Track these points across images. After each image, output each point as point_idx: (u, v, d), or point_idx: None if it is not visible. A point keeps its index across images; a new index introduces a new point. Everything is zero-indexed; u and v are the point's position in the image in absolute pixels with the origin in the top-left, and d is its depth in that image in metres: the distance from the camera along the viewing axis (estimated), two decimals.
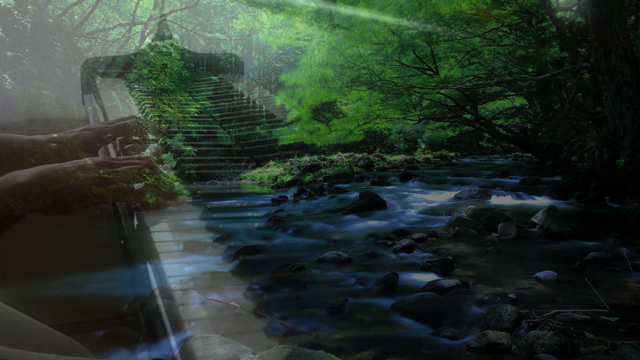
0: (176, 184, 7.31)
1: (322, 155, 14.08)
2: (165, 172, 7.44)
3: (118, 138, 7.72)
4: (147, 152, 8.98)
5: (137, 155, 7.12)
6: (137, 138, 8.13)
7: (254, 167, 13.15)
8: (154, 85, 15.42)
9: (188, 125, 13.89)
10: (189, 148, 12.18)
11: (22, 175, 3.91)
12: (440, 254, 3.57)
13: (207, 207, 7.42)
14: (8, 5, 7.56)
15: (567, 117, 9.62)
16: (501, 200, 6.21)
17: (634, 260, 3.14)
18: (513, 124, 17.45)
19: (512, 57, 9.08)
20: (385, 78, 9.03)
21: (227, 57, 20.85)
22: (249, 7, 15.97)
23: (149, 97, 14.76)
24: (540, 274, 2.90)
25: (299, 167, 11.51)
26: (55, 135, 5.60)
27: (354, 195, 6.85)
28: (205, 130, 14.24)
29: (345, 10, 7.99)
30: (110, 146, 7.72)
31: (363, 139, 15.64)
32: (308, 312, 2.49)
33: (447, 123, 15.11)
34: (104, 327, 2.27)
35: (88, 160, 4.67)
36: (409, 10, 7.66)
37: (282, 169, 11.97)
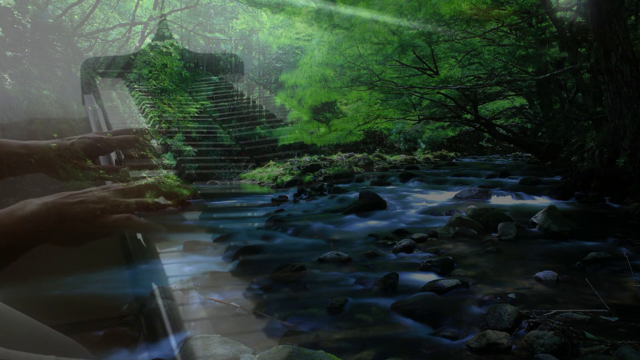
0: (176, 184, 7.31)
1: (322, 155, 14.08)
2: (165, 171, 7.43)
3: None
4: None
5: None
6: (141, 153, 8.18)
7: (254, 167, 13.15)
8: (154, 85, 15.42)
9: (188, 125, 13.89)
10: (189, 148, 12.19)
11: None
12: (440, 254, 3.57)
13: (207, 207, 7.41)
14: (8, 5, 7.55)
15: (567, 117, 9.62)
16: (501, 200, 6.21)
17: (634, 260, 3.14)
18: (513, 124, 17.43)
19: (512, 57, 9.07)
20: (385, 78, 9.02)
21: (227, 57, 20.85)
22: (249, 7, 15.96)
23: (149, 97, 14.76)
24: (540, 274, 2.90)
25: (299, 167, 11.51)
26: (54, 138, 5.59)
27: (354, 195, 6.85)
28: (205, 130, 14.24)
29: (345, 10, 7.99)
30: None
31: (363, 139, 15.64)
32: (308, 312, 2.48)
33: (447, 123, 15.11)
34: (104, 327, 2.27)
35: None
36: (409, 10, 7.66)
37: (282, 169, 11.97)
